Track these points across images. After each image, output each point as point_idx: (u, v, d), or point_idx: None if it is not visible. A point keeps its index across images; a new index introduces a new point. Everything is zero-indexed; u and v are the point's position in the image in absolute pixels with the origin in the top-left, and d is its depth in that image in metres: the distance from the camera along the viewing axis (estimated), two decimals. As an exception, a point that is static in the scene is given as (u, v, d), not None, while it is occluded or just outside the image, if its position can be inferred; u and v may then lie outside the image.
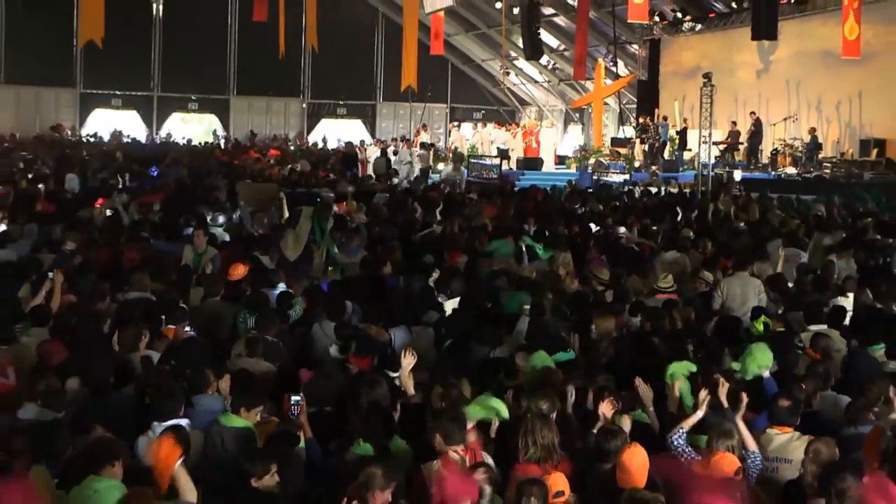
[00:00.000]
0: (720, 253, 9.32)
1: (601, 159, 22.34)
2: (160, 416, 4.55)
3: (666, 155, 21.66)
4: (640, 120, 23.25)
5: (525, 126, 24.84)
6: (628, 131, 24.65)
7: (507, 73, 31.81)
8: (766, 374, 5.49)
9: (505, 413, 4.75)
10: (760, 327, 6.55)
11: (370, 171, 20.50)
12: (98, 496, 3.84)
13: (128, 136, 31.17)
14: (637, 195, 16.05)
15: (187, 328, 6.36)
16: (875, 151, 18.71)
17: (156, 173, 17.67)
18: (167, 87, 32.61)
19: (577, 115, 31.92)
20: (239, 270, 7.79)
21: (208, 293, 7.41)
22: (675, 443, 4.60)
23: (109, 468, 3.99)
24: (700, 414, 4.70)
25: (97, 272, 7.77)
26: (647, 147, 21.71)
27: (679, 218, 12.48)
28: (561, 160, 24.41)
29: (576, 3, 24.55)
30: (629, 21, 22.43)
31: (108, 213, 11.29)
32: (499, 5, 27.06)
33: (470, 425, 4.50)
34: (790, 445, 4.64)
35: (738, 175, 18.58)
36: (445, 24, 28.80)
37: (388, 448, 4.48)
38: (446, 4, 24.14)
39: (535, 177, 19.95)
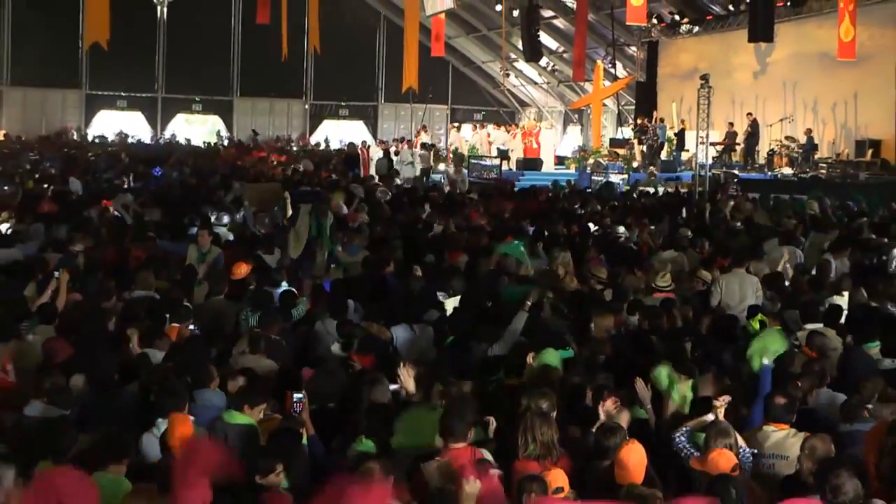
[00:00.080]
0: (717, 252, 9.38)
1: (600, 160, 22.43)
2: (164, 413, 4.59)
3: (664, 156, 21.73)
4: (638, 121, 23.31)
5: (524, 127, 24.91)
6: (627, 132, 24.73)
7: (507, 75, 31.87)
8: (766, 361, 5.54)
9: None
10: (757, 325, 6.60)
11: (372, 171, 20.57)
12: (104, 492, 3.83)
13: (132, 137, 31.26)
14: (635, 196, 16.14)
15: (191, 326, 6.42)
16: (870, 152, 18.78)
17: (159, 173, 17.76)
18: (171, 89, 32.72)
19: (576, 116, 32.00)
20: (242, 269, 7.85)
21: (212, 292, 7.49)
22: (679, 441, 4.64)
23: (115, 465, 4.04)
24: (710, 417, 4.70)
25: (103, 271, 7.83)
26: (645, 148, 21.78)
27: (677, 218, 12.56)
28: (560, 161, 24.50)
29: (575, 6, 24.64)
30: (627, 23, 22.51)
31: (115, 212, 11.37)
32: (499, 8, 27.13)
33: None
34: (786, 442, 4.68)
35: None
36: (446, 27, 28.86)
37: (389, 445, 4.52)
38: (447, 7, 24.20)
39: (535, 177, 20.03)
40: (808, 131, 19.78)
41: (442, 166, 22.74)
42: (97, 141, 29.91)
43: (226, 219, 11.66)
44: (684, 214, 12.96)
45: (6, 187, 14.42)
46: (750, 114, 20.93)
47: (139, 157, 22.04)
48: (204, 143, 31.39)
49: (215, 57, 32.20)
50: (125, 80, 31.36)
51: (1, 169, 18.10)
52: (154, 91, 32.79)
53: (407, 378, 5.20)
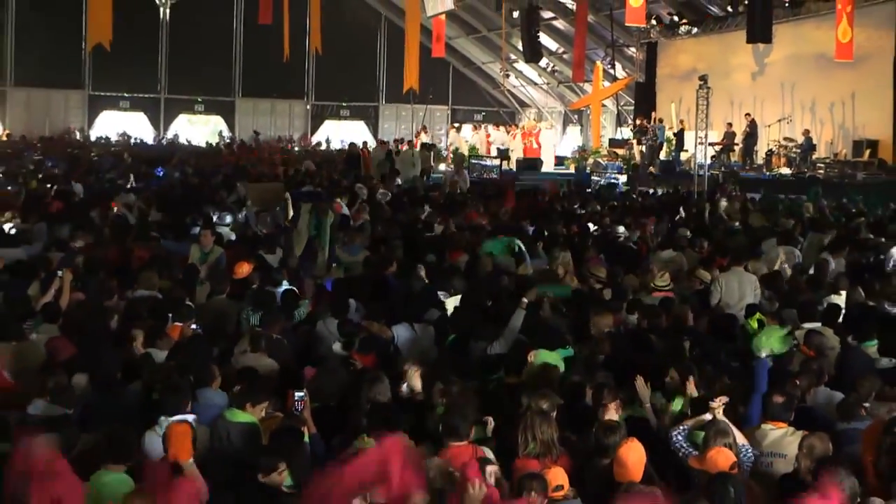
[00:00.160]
0: (716, 252, 9.40)
1: (599, 160, 22.48)
2: (167, 411, 4.61)
3: (663, 156, 21.77)
4: (638, 121, 23.36)
5: (524, 127, 24.96)
6: (626, 132, 24.78)
7: (507, 76, 31.91)
8: (764, 354, 5.55)
9: None
10: (755, 325, 6.63)
11: (374, 171, 20.61)
12: (106, 490, 3.89)
13: (135, 137, 31.31)
14: (634, 196, 16.18)
15: (193, 325, 6.45)
16: (868, 152, 18.81)
17: (161, 173, 17.81)
18: (174, 90, 32.77)
19: (576, 116, 32.05)
20: (244, 269, 7.88)
21: (214, 291, 7.52)
22: (676, 439, 4.67)
23: (118, 464, 4.07)
24: (709, 416, 4.71)
25: (107, 270, 7.85)
26: (644, 148, 21.82)
27: (676, 217, 12.60)
28: (560, 161, 24.55)
29: (574, 7, 24.69)
30: (626, 24, 22.54)
31: (118, 212, 11.42)
32: (499, 9, 27.19)
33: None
34: (784, 440, 4.70)
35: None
36: (447, 28, 28.91)
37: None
38: (447, 8, 24.24)
39: (535, 177, 20.08)
40: (806, 132, 19.81)
41: (442, 166, 22.78)
42: (101, 141, 29.96)
43: (228, 219, 11.69)
44: (683, 214, 12.99)
45: (10, 187, 14.47)
46: (748, 114, 20.95)
47: (142, 157, 22.09)
48: (206, 143, 31.44)
49: (217, 58, 32.24)
50: (128, 80, 31.42)
51: (4, 169, 18.15)
52: (156, 92, 32.84)
53: (414, 376, 5.23)
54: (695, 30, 23.79)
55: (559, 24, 28.04)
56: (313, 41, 29.41)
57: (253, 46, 32.03)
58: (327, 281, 8.25)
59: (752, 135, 20.72)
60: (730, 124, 21.43)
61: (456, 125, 29.82)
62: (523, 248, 9.27)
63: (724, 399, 4.79)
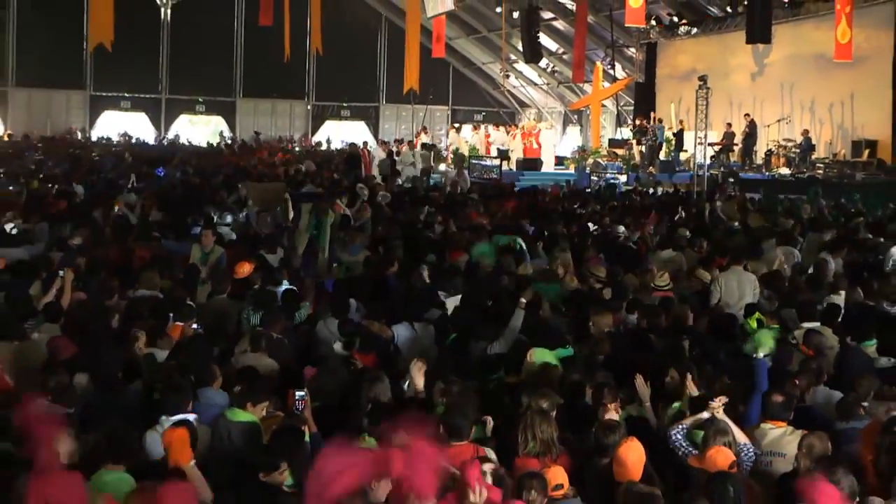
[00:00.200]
0: (715, 252, 9.43)
1: (599, 160, 22.51)
2: (168, 411, 4.63)
3: (662, 156, 21.80)
4: (637, 122, 23.38)
5: (524, 127, 24.98)
6: (626, 133, 24.80)
7: (507, 76, 31.91)
8: (762, 354, 5.55)
9: None
10: (754, 324, 6.64)
11: (374, 171, 20.65)
12: (107, 489, 3.87)
13: (136, 137, 31.35)
14: (635, 195, 16.20)
15: (194, 325, 6.47)
16: (867, 152, 18.84)
17: (162, 174, 17.84)
18: (175, 90, 32.80)
19: (576, 116, 32.06)
20: (245, 269, 7.90)
21: (215, 291, 7.54)
22: (674, 438, 4.68)
23: (119, 463, 4.07)
24: (706, 415, 4.71)
25: (108, 270, 7.87)
26: (644, 148, 21.85)
27: (676, 217, 12.62)
28: (560, 161, 24.58)
29: (574, 8, 24.71)
30: (626, 25, 22.55)
31: (119, 212, 11.44)
32: (499, 9, 27.22)
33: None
34: (784, 440, 4.70)
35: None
36: (447, 28, 28.92)
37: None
38: (448, 8, 24.26)
39: (535, 177, 20.10)
40: (805, 132, 19.84)
41: (442, 167, 22.81)
42: (102, 141, 29.99)
43: (229, 218, 11.72)
44: (682, 214, 13.02)
45: (11, 187, 14.50)
46: (747, 114, 20.98)
47: (143, 157, 22.13)
48: (207, 143, 31.48)
49: (218, 58, 32.28)
50: (129, 81, 31.45)
51: (6, 169, 18.18)
52: (158, 92, 32.87)
53: (418, 374, 5.25)
54: (694, 30, 23.81)
55: (559, 24, 28.06)
56: (314, 41, 29.45)
57: (254, 47, 32.07)
58: (328, 281, 8.26)
59: (751, 135, 20.75)
60: (729, 124, 21.46)
61: (456, 125, 29.83)
62: (524, 246, 9.29)
63: (724, 399, 4.80)
